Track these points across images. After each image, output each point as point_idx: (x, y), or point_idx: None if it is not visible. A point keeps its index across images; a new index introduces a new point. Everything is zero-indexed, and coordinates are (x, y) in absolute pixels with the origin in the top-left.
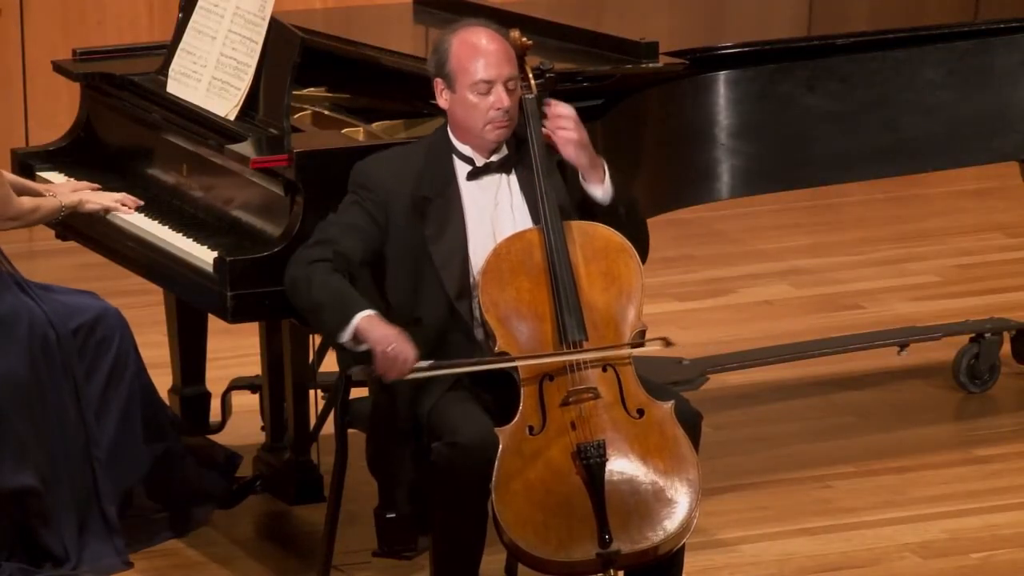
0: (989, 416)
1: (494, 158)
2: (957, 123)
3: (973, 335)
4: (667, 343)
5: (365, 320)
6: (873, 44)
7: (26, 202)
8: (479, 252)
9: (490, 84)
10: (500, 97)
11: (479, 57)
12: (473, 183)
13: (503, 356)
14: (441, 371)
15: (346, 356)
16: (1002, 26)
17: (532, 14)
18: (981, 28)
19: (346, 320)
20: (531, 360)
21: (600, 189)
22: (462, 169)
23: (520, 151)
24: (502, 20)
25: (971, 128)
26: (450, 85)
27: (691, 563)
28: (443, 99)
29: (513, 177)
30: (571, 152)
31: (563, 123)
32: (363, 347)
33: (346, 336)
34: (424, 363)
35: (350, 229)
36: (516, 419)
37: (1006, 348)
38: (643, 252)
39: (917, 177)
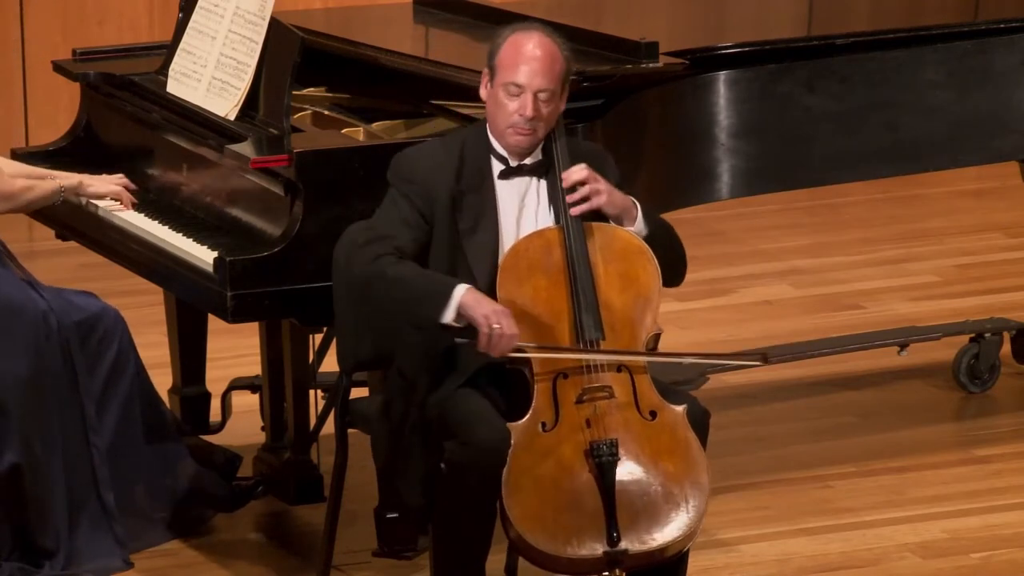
0: (989, 416)
1: (528, 161)
2: (957, 123)
3: (973, 335)
4: (765, 359)
5: (469, 294)
6: (873, 44)
7: (18, 183)
8: (505, 250)
9: (521, 89)
10: (525, 104)
11: (520, 60)
12: (505, 182)
13: (619, 350)
14: (542, 354)
15: (347, 353)
16: (1002, 26)
17: (532, 14)
18: (981, 28)
19: (446, 298)
20: (638, 357)
21: (633, 228)
22: (496, 167)
23: (551, 156)
24: (502, 20)
25: (971, 128)
26: (492, 78)
27: (691, 563)
28: (484, 89)
29: (544, 182)
30: (599, 210)
31: (580, 192)
32: (464, 323)
33: (449, 315)
34: (528, 344)
35: (401, 224)
36: (528, 415)
37: (1006, 348)
38: (683, 271)
39: (917, 177)
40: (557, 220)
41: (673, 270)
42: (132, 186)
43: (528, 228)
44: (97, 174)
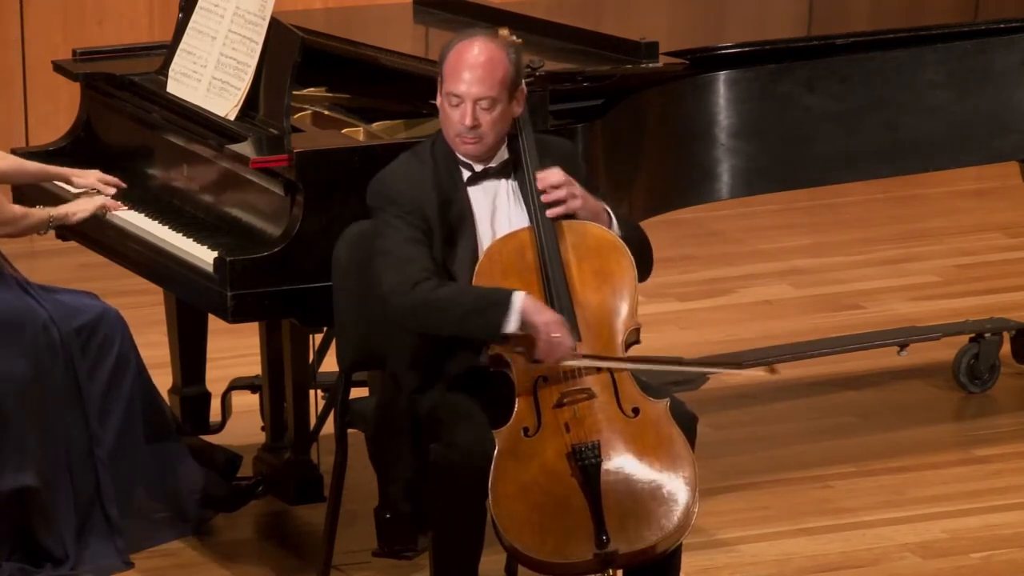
0: (989, 416)
1: (493, 163)
2: (957, 123)
3: (973, 335)
4: (772, 371)
5: (528, 301)
6: (873, 44)
7: (16, 209)
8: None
9: (460, 99)
10: (464, 114)
11: (460, 68)
12: (475, 187)
13: (670, 358)
14: (596, 363)
15: (346, 352)
16: (1002, 26)
17: (532, 14)
18: (981, 28)
19: (506, 308)
20: (689, 367)
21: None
22: (464, 173)
23: (517, 154)
24: (502, 20)
25: (971, 128)
26: (440, 85)
27: (691, 563)
28: (438, 96)
29: (513, 182)
30: (570, 212)
31: (556, 195)
32: (524, 331)
33: (512, 325)
34: (581, 353)
35: (412, 243)
36: (511, 421)
37: (1006, 348)
38: (650, 269)
39: (917, 177)
40: (530, 220)
41: (640, 270)
42: (111, 180)
43: (502, 230)
44: (87, 195)
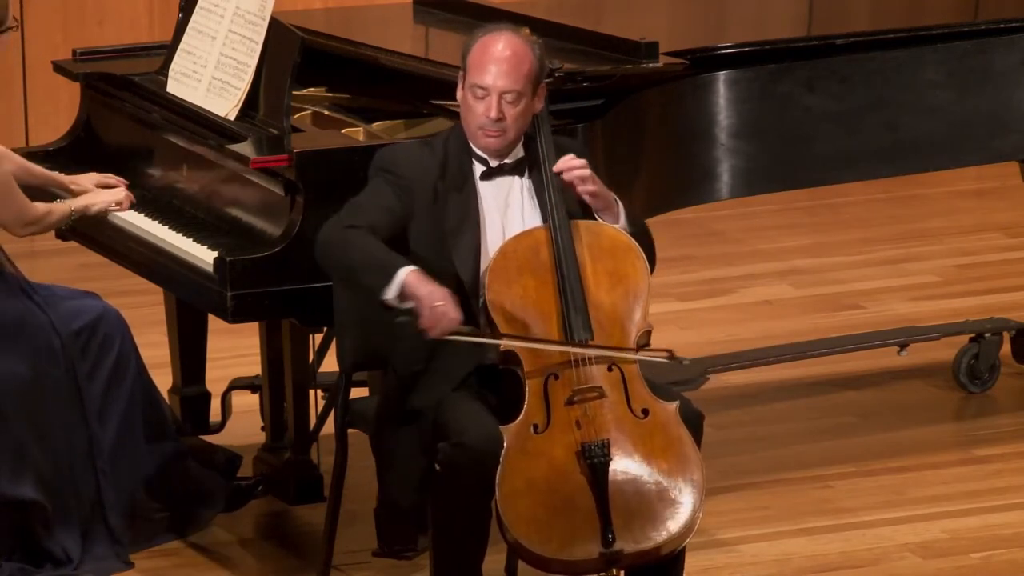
0: (989, 416)
1: (508, 160)
2: (957, 123)
3: (973, 335)
4: (672, 356)
5: (412, 275)
6: (873, 44)
7: (40, 207)
8: (490, 251)
9: (486, 91)
10: (490, 106)
11: (486, 61)
12: (488, 183)
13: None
14: (482, 339)
15: (346, 353)
16: (1002, 26)
17: (532, 14)
18: (981, 28)
19: (390, 275)
20: (561, 348)
21: (618, 225)
22: (478, 168)
23: (533, 153)
24: (502, 20)
25: (971, 128)
26: (463, 78)
27: (691, 563)
28: (459, 90)
29: (526, 180)
30: (585, 195)
31: (575, 174)
32: (407, 304)
33: (392, 292)
34: (466, 328)
35: (380, 208)
36: (520, 417)
37: (1006, 348)
38: (652, 269)
39: (917, 177)
40: (544, 219)
41: None
42: (108, 180)
43: (514, 227)
44: (81, 172)
